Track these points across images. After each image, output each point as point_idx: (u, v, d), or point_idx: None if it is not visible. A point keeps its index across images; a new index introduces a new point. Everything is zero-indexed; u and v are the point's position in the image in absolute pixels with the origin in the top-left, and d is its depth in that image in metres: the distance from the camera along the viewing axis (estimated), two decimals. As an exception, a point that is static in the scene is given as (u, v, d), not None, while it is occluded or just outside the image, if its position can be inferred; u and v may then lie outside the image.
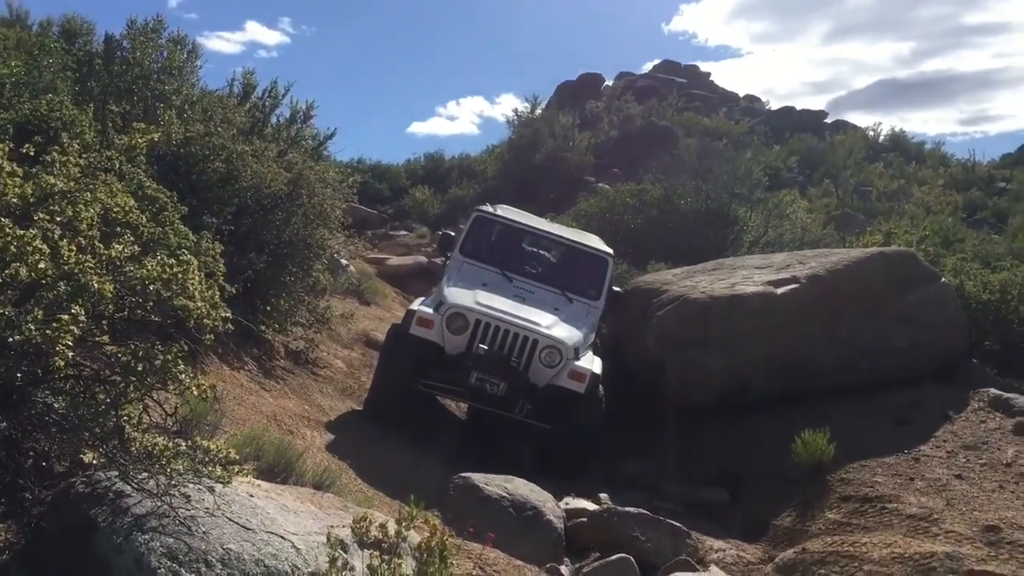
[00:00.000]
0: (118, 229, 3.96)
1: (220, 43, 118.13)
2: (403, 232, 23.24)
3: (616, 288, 9.88)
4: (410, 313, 8.43)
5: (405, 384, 8.16)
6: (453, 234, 10.25)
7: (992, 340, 9.90)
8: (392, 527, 4.02)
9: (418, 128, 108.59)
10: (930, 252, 11.90)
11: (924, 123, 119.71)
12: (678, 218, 16.51)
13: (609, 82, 43.62)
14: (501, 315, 8.21)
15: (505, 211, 10.28)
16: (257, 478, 4.91)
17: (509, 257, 9.72)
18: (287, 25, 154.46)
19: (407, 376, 8.13)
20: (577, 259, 9.88)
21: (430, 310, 8.29)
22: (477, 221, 9.82)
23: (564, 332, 8.41)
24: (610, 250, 10.10)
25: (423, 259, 18.28)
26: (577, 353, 8.37)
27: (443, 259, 10.30)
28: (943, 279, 9.85)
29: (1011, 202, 25.43)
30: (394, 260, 18.37)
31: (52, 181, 3.68)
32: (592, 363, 8.47)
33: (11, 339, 3.28)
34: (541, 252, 10.38)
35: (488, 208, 10.20)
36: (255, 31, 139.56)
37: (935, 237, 14.03)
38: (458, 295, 8.47)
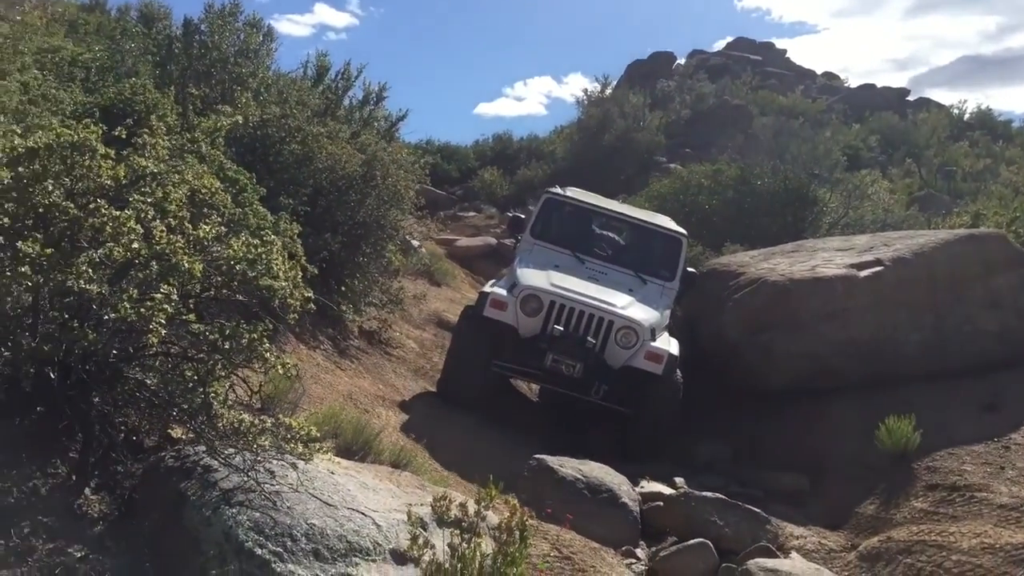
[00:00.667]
0: (204, 210, 4.01)
1: (290, 26, 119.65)
2: (472, 213, 23.30)
3: (691, 269, 9.69)
4: (483, 295, 8.32)
5: (479, 366, 8.10)
6: (523, 216, 10.13)
7: (1086, 325, 9.49)
8: (472, 506, 4.02)
9: (485, 109, 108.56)
10: (1021, 234, 11.45)
11: (1011, 100, 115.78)
12: (754, 199, 16.19)
13: (681, 60, 42.96)
14: (576, 296, 8.08)
15: (575, 193, 10.12)
16: (336, 455, 4.97)
17: (581, 239, 9.59)
18: (355, 7, 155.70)
19: (481, 358, 8.08)
20: (650, 240, 9.75)
21: (504, 292, 8.20)
22: (547, 203, 9.67)
23: (640, 313, 8.29)
24: (683, 230, 9.93)
25: (492, 240, 18.32)
26: (654, 334, 8.25)
27: (513, 241, 10.24)
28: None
29: (1104, 181, 24.37)
30: (463, 241, 18.45)
31: (144, 163, 3.75)
32: (669, 344, 8.35)
33: (106, 316, 3.36)
34: (613, 234, 10.25)
35: (558, 190, 10.06)
36: (324, 13, 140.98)
37: (1025, 218, 13.49)
38: (532, 276, 8.35)
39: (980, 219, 12.79)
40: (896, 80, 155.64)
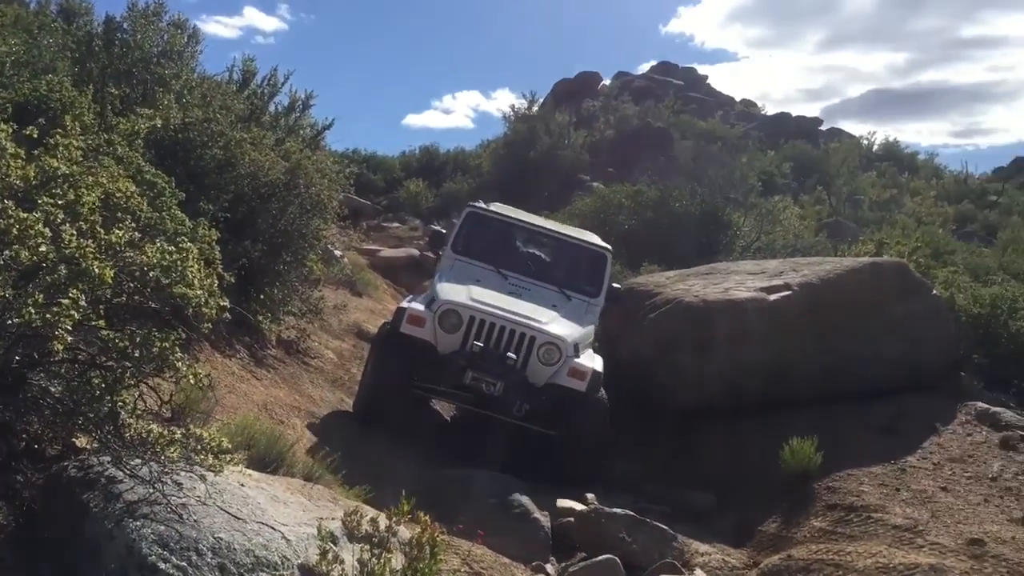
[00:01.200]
0: (118, 214, 3.94)
1: (217, 27, 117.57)
2: (396, 224, 23.24)
3: (616, 285, 9.50)
4: (400, 311, 7.98)
5: (396, 386, 7.75)
6: (444, 231, 9.86)
7: (980, 354, 9.95)
8: (383, 522, 4.03)
9: (413, 120, 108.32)
10: (921, 264, 11.94)
11: (918, 134, 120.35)
12: (672, 220, 16.55)
13: (607, 81, 43.68)
14: (496, 311, 7.84)
15: (498, 207, 9.89)
16: (248, 467, 4.91)
17: (503, 254, 9.32)
18: (285, 12, 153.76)
19: (398, 378, 7.73)
20: (575, 255, 9.51)
21: (421, 307, 7.91)
22: (469, 217, 9.38)
23: (563, 328, 8.06)
24: (608, 246, 9.76)
25: (415, 252, 18.28)
26: (577, 350, 8.03)
27: (435, 256, 9.91)
28: (934, 291, 9.89)
29: (1002, 216, 25.55)
30: (386, 252, 18.37)
31: (55, 164, 3.67)
32: (593, 360, 8.14)
33: (10, 321, 3.28)
34: (536, 249, 9.93)
35: (481, 204, 9.84)
36: (253, 16, 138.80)
37: (926, 249, 14.08)
38: (451, 291, 8.09)
39: (884, 248, 13.28)
40: (810, 110, 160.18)
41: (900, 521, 6.32)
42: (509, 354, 7.66)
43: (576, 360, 7.88)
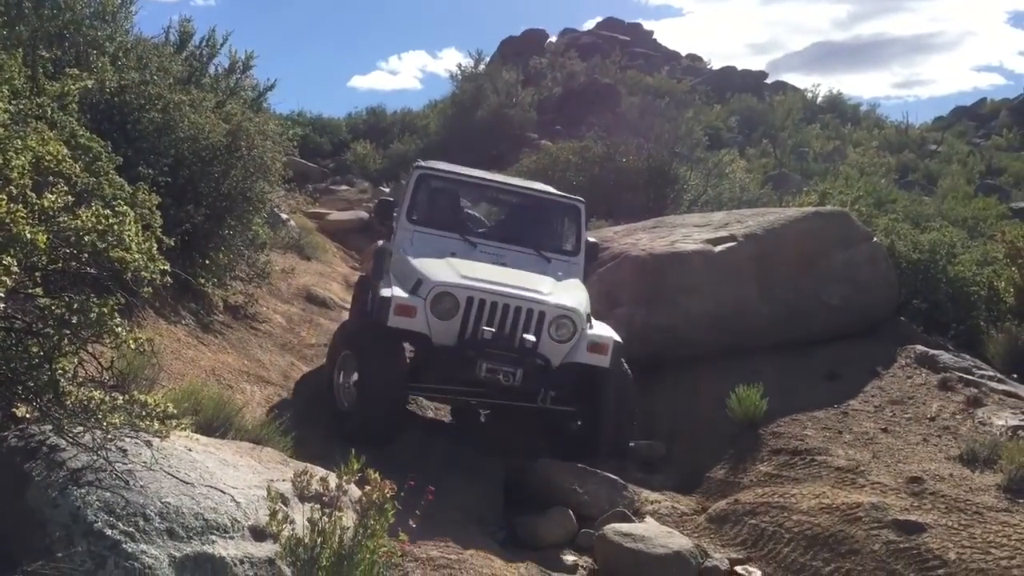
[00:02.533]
0: (51, 179, 3.86)
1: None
2: (344, 187, 23.00)
3: (591, 239, 8.44)
4: (383, 301, 6.70)
5: (395, 396, 6.76)
6: (393, 199, 8.73)
7: (920, 299, 10.19)
8: (333, 481, 4.04)
9: (359, 82, 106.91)
10: (863, 212, 12.16)
11: (859, 86, 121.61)
12: (619, 176, 16.60)
13: (553, 38, 43.40)
14: (496, 287, 6.77)
15: (449, 167, 8.80)
16: (196, 432, 4.88)
17: (466, 219, 8.39)
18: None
19: (396, 385, 6.70)
20: (545, 212, 8.50)
21: (404, 293, 6.70)
22: (422, 181, 8.07)
23: (570, 298, 7.08)
24: (580, 198, 8.68)
25: (364, 214, 18.13)
26: (589, 320, 7.14)
27: (385, 228, 8.47)
28: (875, 239, 10.09)
29: (942, 164, 26.09)
30: (335, 215, 18.20)
31: (-20, 128, 3.58)
32: (607, 330, 7.20)
33: (-61, 290, 3.21)
34: (499, 210, 9.05)
35: (431, 164, 8.74)
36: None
37: (868, 198, 14.33)
38: (435, 269, 6.94)
39: (827, 198, 13.51)
40: (755, 63, 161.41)
41: (843, 463, 6.50)
42: (527, 336, 6.68)
43: (593, 332, 7.03)
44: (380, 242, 9.05)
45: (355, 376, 6.92)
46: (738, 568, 5.48)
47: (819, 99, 37.15)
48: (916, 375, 8.20)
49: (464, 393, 7.05)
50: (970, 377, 7.92)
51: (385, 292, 6.81)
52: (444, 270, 6.96)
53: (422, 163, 8.64)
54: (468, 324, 6.66)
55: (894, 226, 11.60)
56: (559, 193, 8.89)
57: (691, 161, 17.75)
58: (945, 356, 8.45)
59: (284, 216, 14.06)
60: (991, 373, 8.23)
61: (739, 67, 43.26)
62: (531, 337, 6.67)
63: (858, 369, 8.35)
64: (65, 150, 4.04)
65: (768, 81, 42.04)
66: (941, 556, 5.05)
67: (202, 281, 8.31)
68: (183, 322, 7.83)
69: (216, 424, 5.38)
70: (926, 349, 8.67)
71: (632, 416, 7.36)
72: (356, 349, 6.99)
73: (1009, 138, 30.48)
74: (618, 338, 7.11)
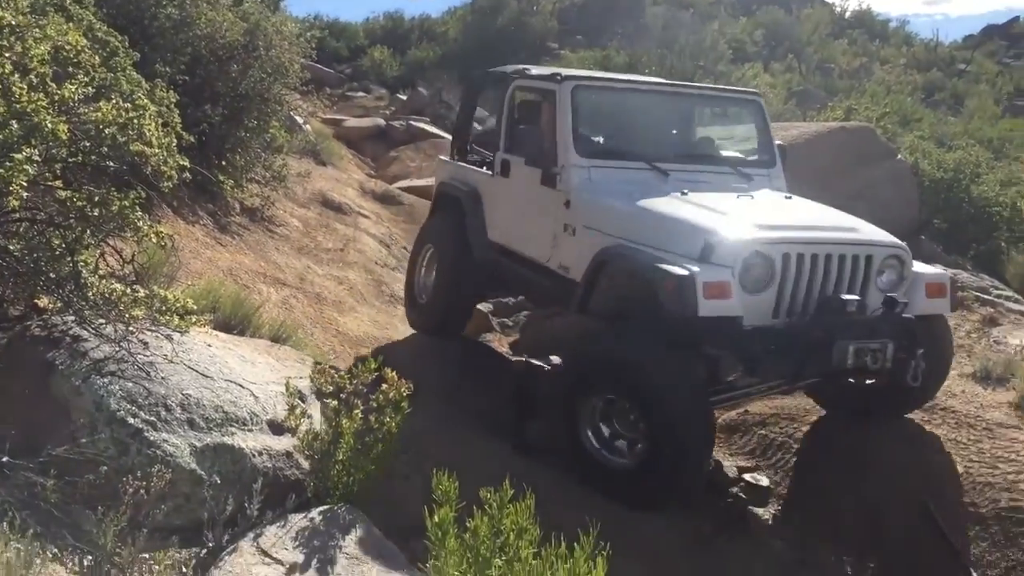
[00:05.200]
0: (70, 70, 3.82)
1: None
2: (361, 94, 22.71)
3: (779, 142, 6.63)
4: (679, 281, 4.51)
5: (709, 444, 4.88)
6: (533, 125, 6.22)
7: (941, 218, 10.12)
8: (350, 378, 4.10)
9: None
10: (888, 130, 11.98)
11: (889, 1, 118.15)
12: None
13: (576, -56, 42.20)
14: (811, 234, 5.02)
15: (599, 75, 7.29)
16: (214, 330, 4.95)
17: (643, 140, 6.27)
18: None
19: (704, 399, 4.78)
20: (724, 115, 7.08)
21: (693, 268, 4.56)
22: (581, 96, 5.93)
23: (873, 229, 5.35)
24: (756, 89, 7.18)
25: (381, 121, 17.96)
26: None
27: (540, 169, 5.84)
28: (899, 156, 9.96)
29: (969, 84, 25.53)
30: (351, 122, 18.02)
31: (1, 14, 3.53)
32: (922, 265, 5.52)
33: (-38, 178, 3.22)
34: (656, 121, 6.65)
35: (572, 72, 6.64)
36: None
37: (894, 115, 14.09)
38: (714, 220, 4.96)
39: (852, 114, 13.28)
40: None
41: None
42: (892, 295, 4.97)
43: (924, 271, 5.36)
44: (447, 174, 7.39)
45: (627, 416, 4.86)
46: (746, 475, 5.57)
47: (847, 14, 36.18)
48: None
49: (789, 387, 5.43)
50: (987, 297, 7.89)
51: (673, 270, 4.59)
52: (722, 220, 4.98)
53: (565, 74, 6.22)
54: (786, 292, 4.82)
55: (919, 144, 11.44)
56: (732, 88, 7.30)
57: (714, 75, 17.43)
58: (963, 275, 8.40)
59: (300, 120, 13.94)
60: (1008, 293, 8.20)
61: (767, -22, 42.09)
62: (898, 296, 4.98)
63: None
64: (84, 40, 3.98)
65: (796, -6, 40.94)
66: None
67: (221, 179, 8.27)
68: (201, 222, 7.86)
69: (234, 322, 5.45)
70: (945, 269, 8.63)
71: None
72: (631, 374, 4.74)
73: (1041, 59, 29.75)
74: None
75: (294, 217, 9.95)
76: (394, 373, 4.21)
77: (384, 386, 3.99)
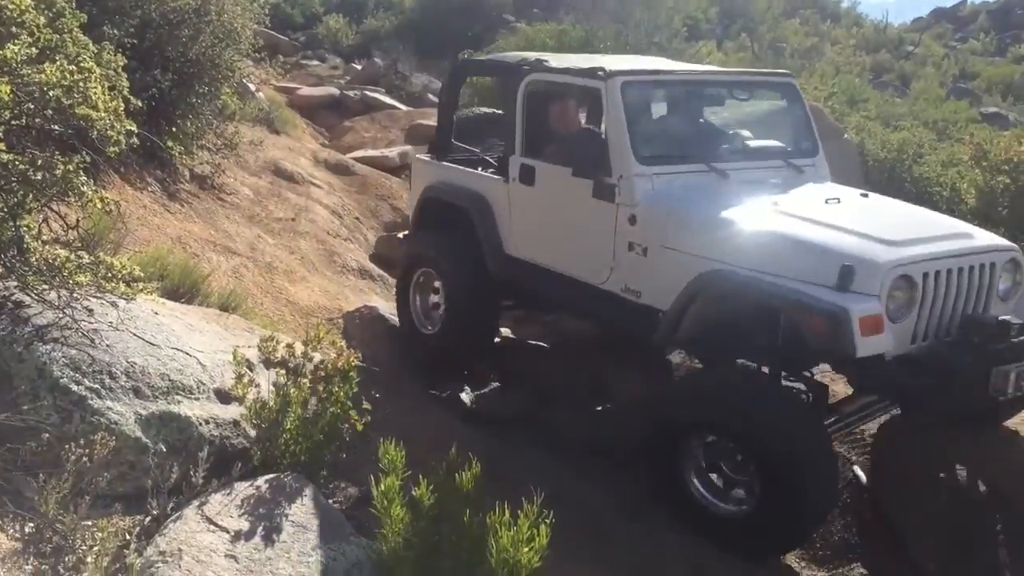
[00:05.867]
0: (13, 30, 3.74)
1: None
2: (316, 62, 22.42)
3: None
4: (827, 317, 4.01)
5: (829, 451, 4.38)
6: (593, 131, 5.76)
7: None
8: (299, 347, 4.11)
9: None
10: (836, 109, 12.16)
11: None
12: (597, 64, 16.37)
13: (535, -85, 41.93)
14: (941, 246, 4.50)
15: (644, 66, 6.13)
16: (162, 297, 4.91)
17: (695, 138, 5.68)
18: None
19: (824, 435, 4.41)
20: (759, 102, 6.30)
21: (824, 297, 4.07)
22: (633, 93, 5.19)
23: (972, 229, 5.00)
24: (787, 71, 6.51)
25: (335, 91, 17.76)
26: None
27: (590, 179, 5.17)
28: (846, 135, 10.12)
29: (916, 66, 25.97)
30: (305, 91, 17.79)
31: (-62, -28, 3.44)
32: None
33: (-100, 139, 3.15)
34: (692, 111, 5.96)
35: (617, 66, 5.44)
36: None
37: (842, 95, 14.29)
38: (846, 242, 4.37)
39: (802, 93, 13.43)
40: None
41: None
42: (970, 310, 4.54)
43: None
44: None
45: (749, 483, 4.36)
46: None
47: (801, -6, 36.52)
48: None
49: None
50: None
51: (832, 303, 4.02)
52: (851, 239, 4.39)
53: (613, 68, 5.31)
54: (926, 315, 4.34)
55: (865, 124, 11.63)
56: (764, 72, 6.78)
57: (669, 52, 17.50)
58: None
59: (253, 88, 13.74)
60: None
61: (723, -44, 42.23)
62: (1008, 318, 4.40)
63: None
64: (29, 0, 3.89)
65: (751, -28, 41.13)
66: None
67: (170, 145, 8.11)
68: (149, 189, 7.74)
69: (182, 291, 5.41)
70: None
71: None
72: (740, 413, 4.23)
73: (985, 43, 30.33)
74: None
75: (245, 186, 9.83)
76: (343, 343, 4.24)
77: (333, 355, 4.01)
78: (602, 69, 5.23)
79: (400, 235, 7.15)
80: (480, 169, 6.21)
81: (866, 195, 5.36)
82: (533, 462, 4.85)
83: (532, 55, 6.18)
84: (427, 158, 6.65)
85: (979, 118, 18.60)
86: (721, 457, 4.44)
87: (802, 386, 4.69)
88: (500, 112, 6.99)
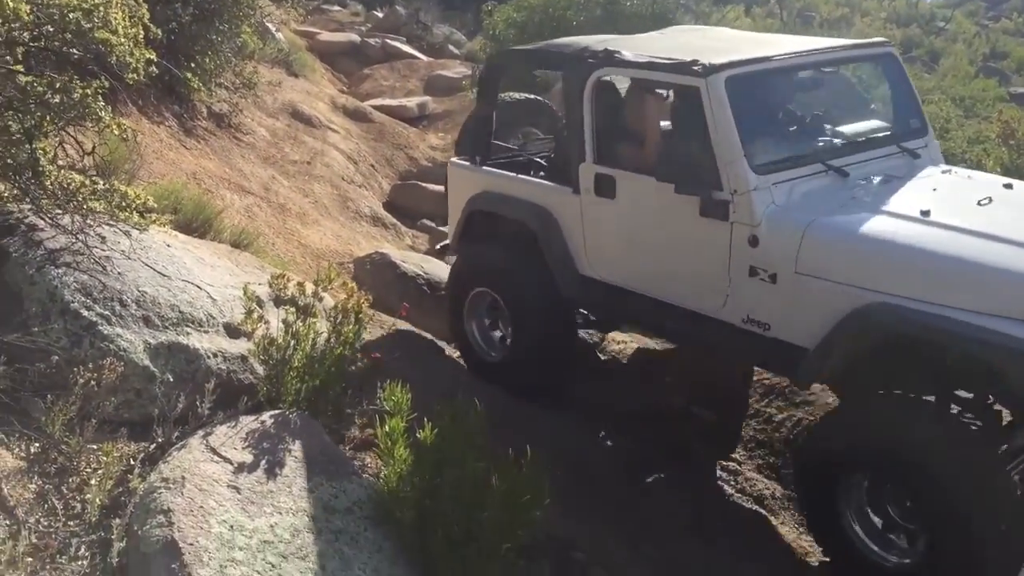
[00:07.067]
0: (33, -50, 3.69)
1: None
2: (336, 7, 22.19)
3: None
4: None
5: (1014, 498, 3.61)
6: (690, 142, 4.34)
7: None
8: (309, 287, 4.10)
9: None
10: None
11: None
12: (623, 21, 16.14)
13: None
14: None
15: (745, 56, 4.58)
16: (174, 231, 4.90)
17: (805, 132, 4.77)
18: None
19: (1009, 477, 3.69)
20: (859, 79, 5.63)
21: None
22: (741, 88, 4.29)
23: None
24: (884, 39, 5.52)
25: (356, 38, 17.61)
26: None
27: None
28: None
29: (947, 43, 25.55)
30: (325, 36, 17.64)
31: None
32: None
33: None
34: (813, 101, 5.11)
35: (723, 57, 4.35)
36: None
37: (869, 69, 14.06)
38: (988, 253, 3.73)
39: (829, 64, 13.24)
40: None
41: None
42: None
43: None
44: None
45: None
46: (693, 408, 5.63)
47: (834, -37, 35.91)
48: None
49: None
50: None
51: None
52: (993, 250, 3.74)
53: (713, 60, 4.31)
54: None
55: (891, 98, 11.46)
56: (859, 42, 5.50)
57: (697, 14, 17.28)
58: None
59: (273, 28, 13.62)
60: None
61: (757, -80, 41.54)
62: None
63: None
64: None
65: (785, -63, 40.46)
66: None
67: (188, 77, 8.03)
68: (166, 124, 7.71)
69: (195, 225, 5.40)
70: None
71: None
72: (908, 454, 3.64)
73: (1018, 23, 29.78)
74: None
75: (262, 126, 9.79)
76: (354, 285, 4.22)
77: (343, 296, 4.00)
78: (698, 62, 4.30)
79: (438, 247, 6.30)
80: (531, 173, 5.35)
81: (1010, 185, 4.55)
82: (537, 419, 4.83)
83: (596, 40, 5.12)
84: (465, 163, 5.57)
85: (1007, 97, 18.31)
86: (888, 499, 3.87)
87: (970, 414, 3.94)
88: (535, 98, 6.28)
